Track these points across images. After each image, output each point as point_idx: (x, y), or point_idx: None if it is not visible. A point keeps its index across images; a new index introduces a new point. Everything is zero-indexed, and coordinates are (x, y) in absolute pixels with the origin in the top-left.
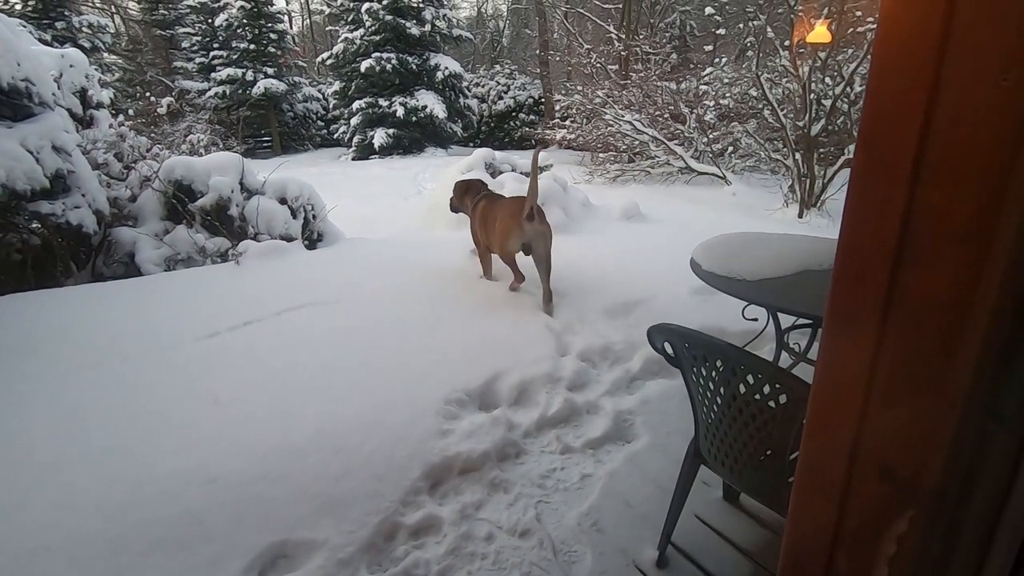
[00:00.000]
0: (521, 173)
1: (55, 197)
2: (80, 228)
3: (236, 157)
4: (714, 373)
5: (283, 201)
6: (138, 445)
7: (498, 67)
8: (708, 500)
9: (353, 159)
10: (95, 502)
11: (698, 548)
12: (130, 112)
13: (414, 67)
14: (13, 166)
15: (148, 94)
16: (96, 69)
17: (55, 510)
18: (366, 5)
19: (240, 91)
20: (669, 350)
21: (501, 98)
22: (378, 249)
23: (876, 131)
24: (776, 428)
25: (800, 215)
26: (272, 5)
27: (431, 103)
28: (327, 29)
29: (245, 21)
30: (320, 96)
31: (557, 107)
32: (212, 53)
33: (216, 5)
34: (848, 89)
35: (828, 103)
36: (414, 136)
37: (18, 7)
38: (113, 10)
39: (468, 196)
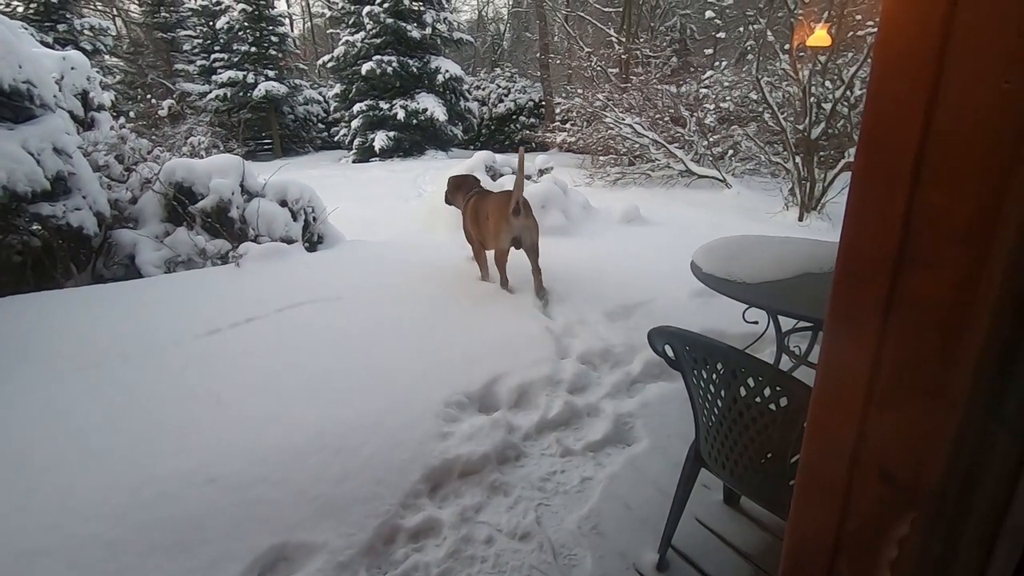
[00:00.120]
0: None
1: (56, 199)
2: (81, 230)
3: (237, 159)
4: (714, 376)
5: (284, 203)
6: (137, 446)
7: (499, 70)
8: (709, 503)
9: (354, 162)
10: (94, 504)
11: (698, 551)
12: (131, 114)
13: (415, 70)
14: (14, 168)
15: (149, 96)
16: (97, 71)
17: (54, 512)
18: (367, 8)
19: (241, 94)
20: (670, 353)
21: (502, 101)
22: (378, 251)
23: (877, 134)
24: (777, 431)
25: (800, 218)
26: (273, 8)
27: (432, 106)
28: (328, 32)
29: (246, 24)
30: (321, 99)
31: (557, 110)
32: (213, 56)
33: (217, 8)
34: (848, 93)
35: (828, 107)
36: (415, 139)
37: (20, 9)
38: (115, 13)
39: (460, 192)
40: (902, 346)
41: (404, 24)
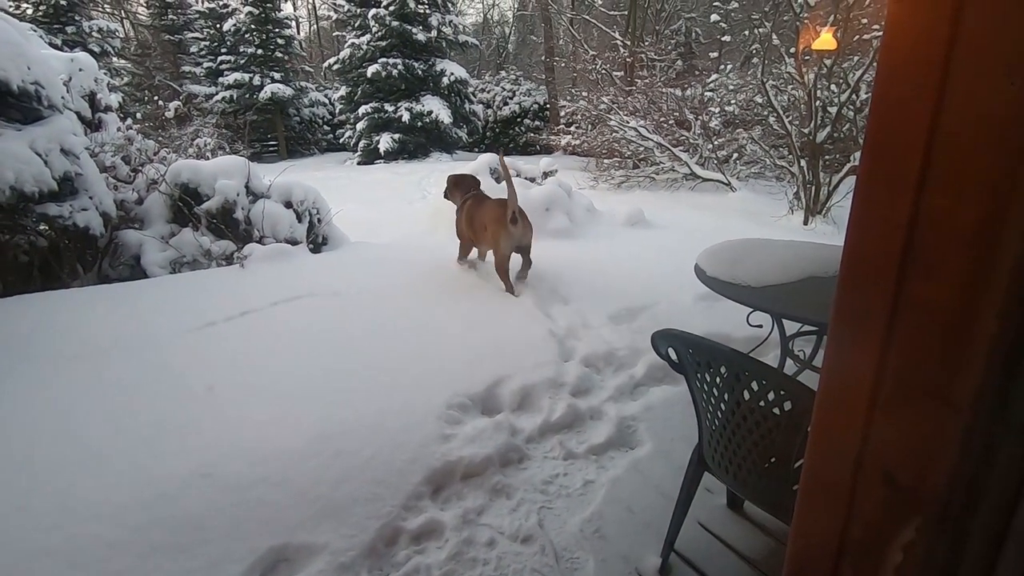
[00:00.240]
0: (526, 179)
1: (63, 199)
2: (87, 230)
3: (242, 161)
4: (718, 379)
5: (288, 205)
6: (138, 447)
7: (503, 73)
8: (712, 507)
9: (358, 164)
10: (95, 504)
11: (701, 556)
12: (138, 116)
13: (420, 72)
14: (22, 168)
15: (156, 98)
16: (105, 73)
17: (55, 512)
18: (373, 11)
19: (247, 95)
20: (673, 356)
21: (506, 104)
22: (382, 253)
23: (882, 137)
24: (780, 435)
25: (805, 222)
26: (280, 11)
27: (437, 108)
28: (334, 35)
29: (253, 26)
30: (326, 101)
31: (562, 113)
32: (220, 58)
33: (225, 11)
34: (854, 96)
35: (834, 110)
36: (419, 141)
37: (29, 12)
38: (123, 15)
39: (458, 191)
40: (906, 350)
41: (409, 27)
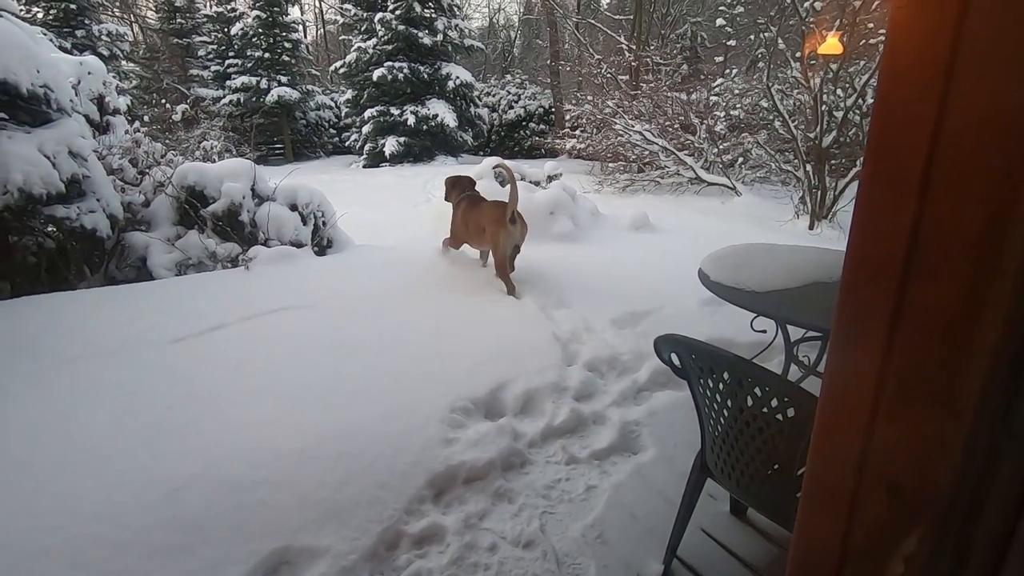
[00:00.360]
0: (531, 182)
1: (70, 201)
2: (94, 232)
3: (248, 163)
4: (721, 385)
5: (294, 207)
6: (141, 448)
7: (509, 77)
8: (715, 514)
9: (364, 167)
10: (97, 505)
11: (704, 562)
12: (146, 119)
13: (426, 76)
14: (30, 170)
15: (164, 101)
16: (114, 76)
17: (58, 512)
18: (379, 15)
19: (254, 99)
20: (676, 361)
21: (512, 107)
22: (386, 256)
23: (885, 141)
24: (783, 442)
25: (811, 227)
26: (287, 15)
27: (442, 112)
28: (340, 38)
29: (260, 30)
30: (332, 104)
31: (567, 117)
32: (227, 61)
33: (232, 15)
34: (860, 101)
35: (840, 115)
36: (425, 144)
37: (40, 15)
38: (132, 19)
39: (455, 191)
40: (909, 355)
41: (416, 31)
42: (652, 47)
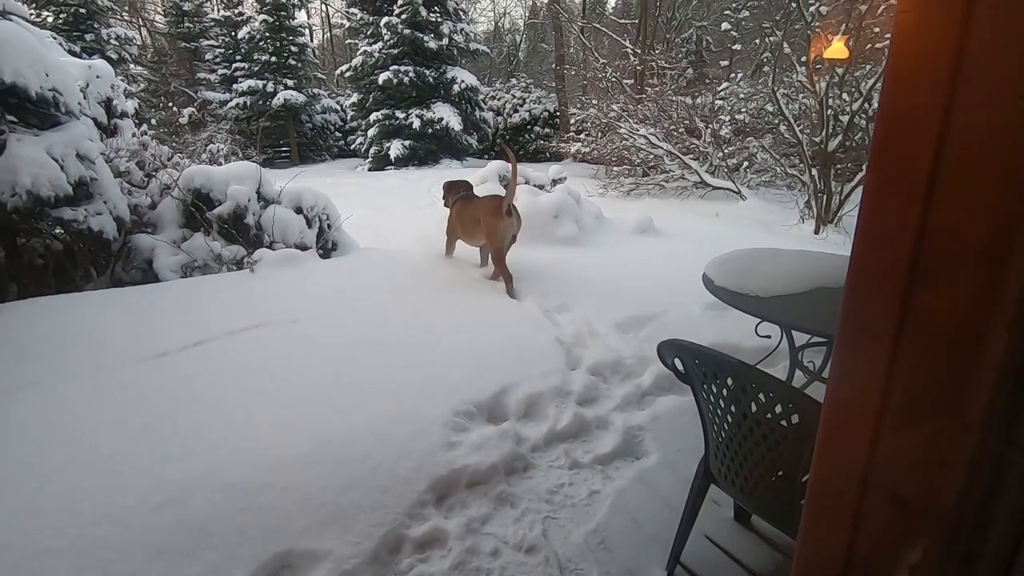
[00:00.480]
0: (535, 186)
1: (78, 204)
2: (101, 234)
3: (254, 167)
4: (724, 391)
5: (299, 210)
6: (145, 450)
7: (514, 80)
8: (718, 520)
9: (369, 170)
10: (101, 507)
11: (707, 569)
12: (153, 121)
13: (431, 80)
14: (38, 173)
15: (171, 104)
16: (122, 80)
17: (62, 514)
18: (385, 19)
19: (260, 102)
20: (679, 367)
21: (516, 111)
22: (390, 259)
23: (890, 146)
24: (787, 449)
25: (816, 231)
26: (294, 19)
27: (447, 115)
28: (347, 42)
29: (267, 34)
30: (338, 108)
31: (572, 120)
32: (234, 65)
33: (240, 19)
34: (866, 105)
35: (845, 119)
36: (430, 148)
37: (50, 19)
38: (140, 23)
39: (451, 193)
40: (915, 365)
41: (421, 35)
42: (657, 51)
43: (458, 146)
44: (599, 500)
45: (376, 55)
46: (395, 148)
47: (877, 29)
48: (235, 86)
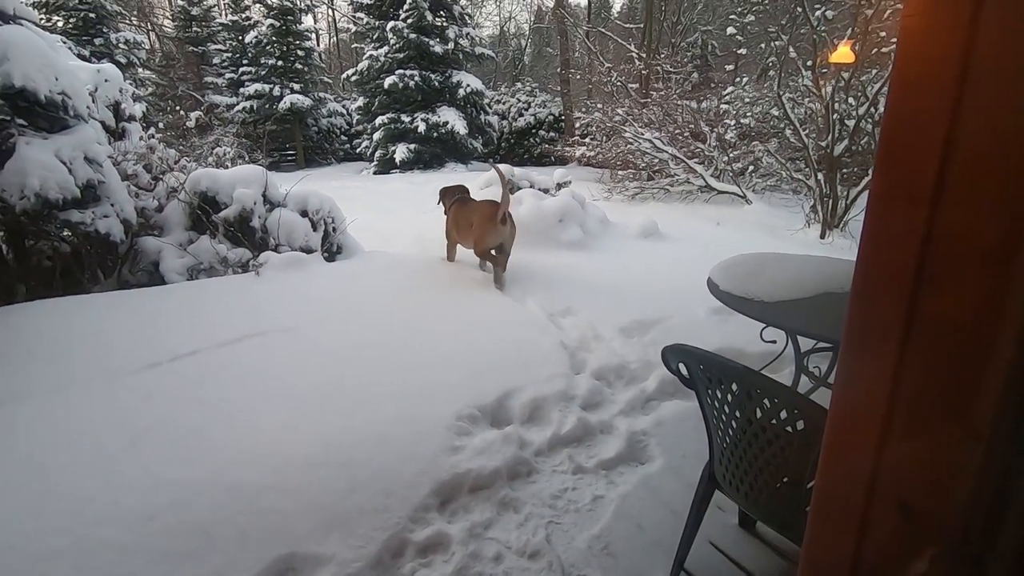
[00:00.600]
0: (540, 189)
1: (85, 206)
2: (108, 237)
3: (260, 170)
4: (729, 396)
5: (304, 214)
6: (150, 452)
7: (519, 84)
8: (723, 526)
9: (375, 173)
10: (105, 509)
11: None
12: (160, 125)
13: (436, 84)
14: (47, 176)
15: (179, 108)
16: (130, 83)
17: (67, 515)
18: (391, 24)
19: (267, 106)
20: (684, 371)
21: (521, 115)
22: (394, 263)
23: (896, 150)
24: (793, 455)
25: (822, 236)
26: (300, 24)
27: (452, 119)
28: (353, 47)
29: (274, 39)
30: (344, 111)
31: (577, 124)
32: (241, 69)
33: (247, 23)
34: (872, 109)
35: (852, 123)
36: (435, 151)
37: (60, 24)
38: (149, 27)
39: (447, 198)
40: (922, 371)
41: (427, 39)
42: (662, 55)
43: (463, 150)
44: (603, 505)
45: (382, 59)
46: (400, 152)
47: (883, 33)
48: (242, 90)
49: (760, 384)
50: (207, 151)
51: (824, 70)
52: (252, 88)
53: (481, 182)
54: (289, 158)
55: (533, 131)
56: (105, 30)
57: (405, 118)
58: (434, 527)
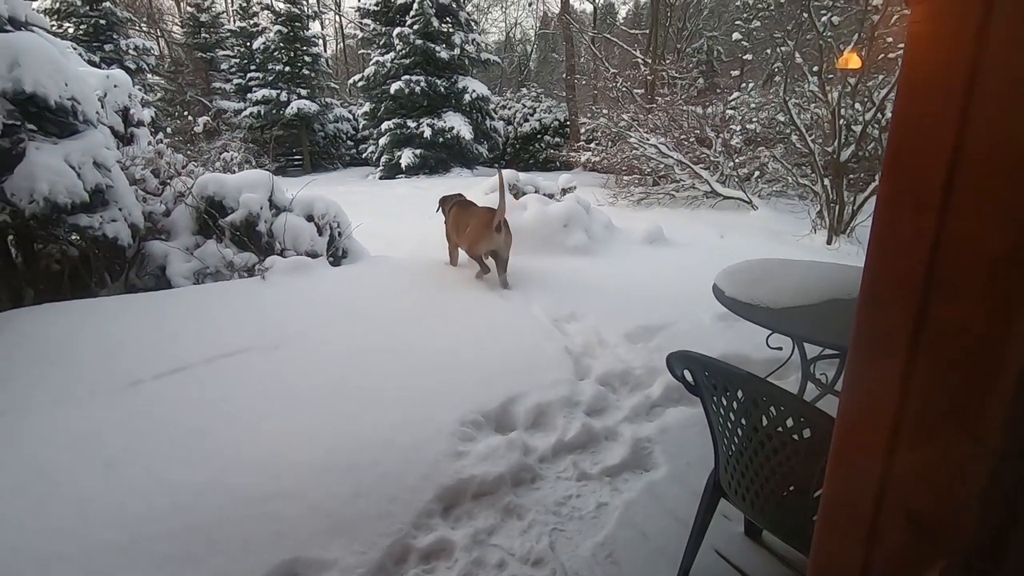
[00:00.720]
0: (545, 195)
1: (94, 211)
2: (116, 241)
3: (266, 175)
4: (735, 403)
5: (310, 218)
6: (154, 456)
7: (525, 90)
8: (728, 535)
9: (380, 178)
10: (109, 512)
11: None
12: (169, 130)
13: (442, 89)
14: (56, 180)
15: (187, 113)
16: (139, 89)
17: (70, 518)
18: (398, 30)
19: (274, 111)
20: (689, 378)
21: (527, 120)
22: (400, 267)
23: (903, 156)
24: (799, 463)
25: (829, 242)
26: (308, 30)
27: (458, 124)
28: (359, 52)
29: (281, 44)
30: (350, 117)
31: (582, 130)
32: (249, 75)
33: (255, 29)
34: (879, 115)
35: (858, 129)
36: (440, 157)
37: (71, 31)
38: (158, 34)
39: (446, 203)
40: (930, 377)
41: (433, 45)
42: (668, 61)
43: (469, 155)
44: (607, 512)
45: (388, 65)
46: (406, 157)
47: (890, 39)
48: (249, 95)
49: (766, 391)
50: (214, 156)
51: (830, 76)
52: (260, 93)
53: (486, 187)
54: (296, 163)
55: (538, 136)
56: (115, 36)
57: (411, 123)
58: (437, 533)
